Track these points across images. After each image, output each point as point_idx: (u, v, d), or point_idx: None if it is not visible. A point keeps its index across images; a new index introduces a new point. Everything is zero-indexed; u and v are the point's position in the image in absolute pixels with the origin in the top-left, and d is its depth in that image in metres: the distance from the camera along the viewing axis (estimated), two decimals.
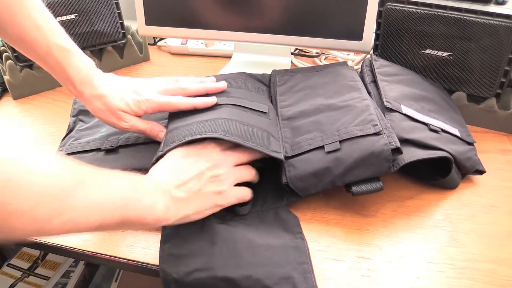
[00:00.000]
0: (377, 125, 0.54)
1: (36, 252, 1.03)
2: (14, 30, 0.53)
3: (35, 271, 0.99)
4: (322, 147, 0.55)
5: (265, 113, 0.59)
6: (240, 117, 0.55)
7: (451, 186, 0.59)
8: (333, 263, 0.50)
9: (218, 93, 0.60)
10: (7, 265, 0.99)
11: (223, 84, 0.60)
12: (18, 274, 0.98)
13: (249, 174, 0.53)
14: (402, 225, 0.54)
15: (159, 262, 0.48)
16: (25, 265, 1.00)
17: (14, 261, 1.01)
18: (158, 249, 0.51)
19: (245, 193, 0.53)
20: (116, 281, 0.98)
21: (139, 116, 0.58)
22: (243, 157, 0.53)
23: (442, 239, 0.52)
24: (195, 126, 0.53)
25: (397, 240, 0.52)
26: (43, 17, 0.54)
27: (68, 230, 0.38)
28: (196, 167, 0.48)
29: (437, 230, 0.53)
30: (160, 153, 0.51)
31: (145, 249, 0.52)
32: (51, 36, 0.54)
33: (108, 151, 0.60)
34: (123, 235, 0.54)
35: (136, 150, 0.60)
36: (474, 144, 0.63)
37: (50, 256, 1.02)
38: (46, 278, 0.97)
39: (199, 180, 0.48)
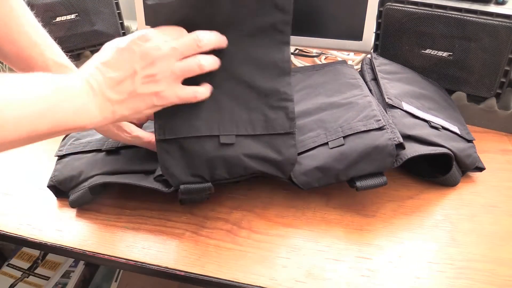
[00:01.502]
0: (380, 120, 0.55)
1: (36, 252, 1.03)
2: (10, 46, 0.52)
3: (35, 271, 0.98)
4: (326, 143, 0.55)
5: None
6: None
7: (452, 183, 0.59)
8: (333, 263, 0.50)
9: None
10: (7, 265, 0.99)
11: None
12: (18, 274, 0.98)
13: (196, 66, 0.46)
14: (402, 225, 0.54)
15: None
16: (25, 265, 1.00)
17: (14, 261, 1.01)
18: (158, 249, 0.51)
19: (190, 93, 0.47)
20: (116, 281, 0.98)
21: (144, 122, 0.57)
22: (193, 46, 0.46)
23: (442, 239, 0.52)
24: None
25: (397, 240, 0.52)
26: (39, 34, 0.54)
27: None
28: (129, 66, 0.43)
29: (437, 230, 0.53)
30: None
31: (145, 249, 0.52)
32: (48, 53, 0.53)
33: (109, 152, 0.60)
34: (123, 235, 0.54)
35: (137, 152, 0.60)
36: (474, 142, 0.63)
37: (50, 256, 1.02)
38: (46, 278, 0.97)
39: (133, 80, 0.43)
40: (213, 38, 0.49)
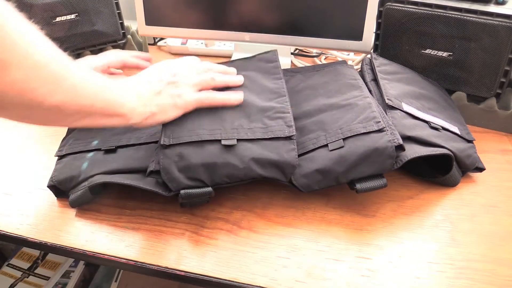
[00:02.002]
0: (379, 122, 0.55)
1: (36, 252, 1.03)
2: None
3: (35, 271, 0.99)
4: (326, 145, 0.55)
5: None
6: None
7: (452, 184, 0.59)
8: (333, 263, 0.50)
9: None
10: (7, 265, 0.99)
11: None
12: (18, 274, 0.98)
13: (209, 78, 0.58)
14: (402, 225, 0.54)
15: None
16: (25, 265, 1.00)
17: (14, 261, 1.01)
18: (158, 249, 0.51)
19: (205, 97, 0.57)
20: (116, 281, 0.98)
21: None
22: (204, 68, 0.60)
23: (442, 239, 0.52)
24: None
25: (397, 240, 0.52)
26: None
27: (65, 100, 0.43)
28: (158, 75, 0.56)
29: (437, 230, 0.53)
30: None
31: (145, 249, 0.52)
32: None
33: (109, 151, 0.60)
34: (123, 235, 0.54)
35: (137, 151, 0.60)
36: (474, 143, 0.63)
37: (50, 256, 1.02)
38: (46, 278, 0.97)
39: (160, 83, 0.54)
40: (219, 67, 0.63)
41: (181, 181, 0.52)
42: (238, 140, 0.54)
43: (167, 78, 0.55)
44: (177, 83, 0.55)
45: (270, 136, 0.55)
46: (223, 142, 0.53)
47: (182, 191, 0.52)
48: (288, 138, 0.55)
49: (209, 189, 0.53)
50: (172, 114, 0.54)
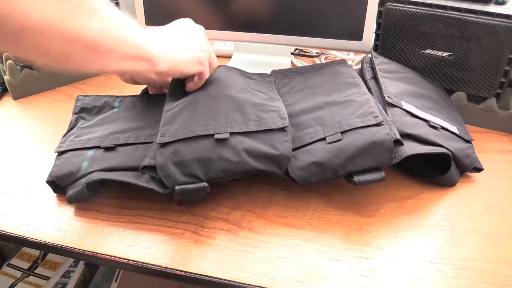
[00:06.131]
0: (377, 116, 0.55)
1: (36, 252, 1.03)
2: None
3: (35, 271, 0.99)
4: (324, 138, 0.55)
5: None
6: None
7: (451, 183, 0.59)
8: (333, 263, 0.50)
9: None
10: (7, 265, 1.00)
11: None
12: (18, 274, 0.98)
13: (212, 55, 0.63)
14: (402, 225, 0.54)
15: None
16: (25, 265, 1.00)
17: (14, 261, 1.01)
18: (158, 249, 0.51)
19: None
20: (116, 281, 0.98)
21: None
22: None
23: (442, 239, 0.52)
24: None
25: (397, 240, 0.52)
26: None
27: (100, 31, 0.43)
28: (184, 31, 0.60)
29: (437, 230, 0.53)
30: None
31: (145, 249, 0.52)
32: None
33: (108, 149, 0.60)
34: (123, 235, 0.54)
35: (135, 149, 0.60)
36: (473, 143, 0.63)
37: (50, 256, 1.02)
38: (46, 278, 0.97)
39: (184, 36, 0.58)
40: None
41: (177, 178, 0.52)
42: (231, 133, 0.54)
43: (191, 33, 0.60)
44: (200, 41, 0.60)
45: (263, 128, 0.55)
46: (216, 136, 0.53)
47: (177, 187, 0.52)
48: (282, 129, 0.55)
49: (204, 184, 0.53)
50: (193, 68, 0.58)
